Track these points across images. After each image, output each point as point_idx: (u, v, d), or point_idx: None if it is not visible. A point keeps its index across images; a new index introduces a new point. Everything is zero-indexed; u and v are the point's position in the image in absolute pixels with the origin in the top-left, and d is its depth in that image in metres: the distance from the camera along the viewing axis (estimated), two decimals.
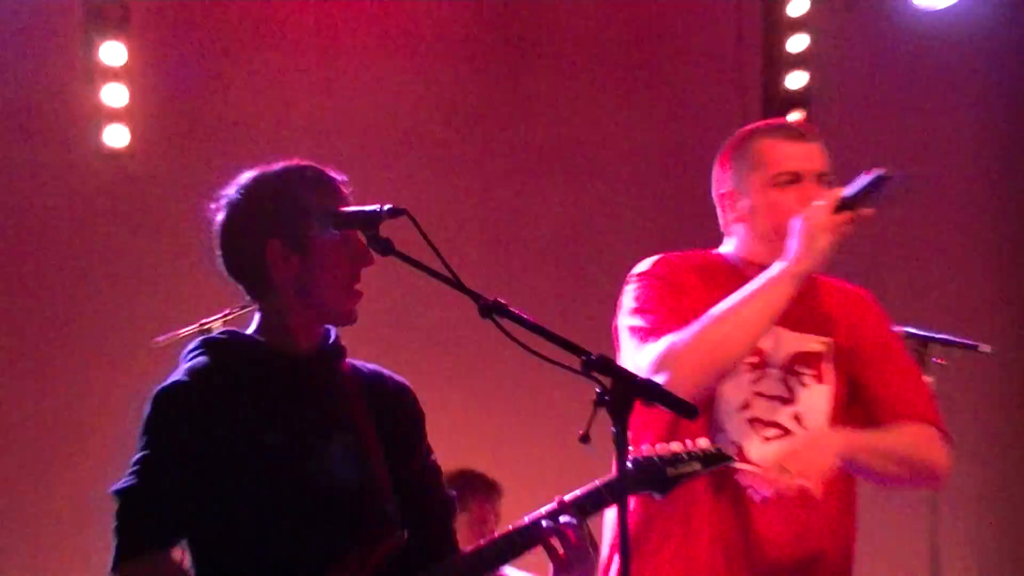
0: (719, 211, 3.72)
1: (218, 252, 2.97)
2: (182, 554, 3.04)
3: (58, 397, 5.67)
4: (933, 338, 5.04)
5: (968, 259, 6.85)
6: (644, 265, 3.68)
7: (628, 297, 3.60)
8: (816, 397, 3.62)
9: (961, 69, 6.69)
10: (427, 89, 5.88)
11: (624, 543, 2.86)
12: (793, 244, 3.45)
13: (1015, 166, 6.97)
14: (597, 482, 3.05)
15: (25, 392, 5.53)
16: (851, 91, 6.42)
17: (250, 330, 3.13)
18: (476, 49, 5.99)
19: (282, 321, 3.06)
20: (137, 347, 4.82)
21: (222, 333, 3.30)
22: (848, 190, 3.39)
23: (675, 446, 3.12)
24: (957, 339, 5.15)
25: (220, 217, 2.98)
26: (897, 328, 4.77)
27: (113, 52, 5.73)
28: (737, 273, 3.63)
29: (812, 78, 6.23)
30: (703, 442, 3.17)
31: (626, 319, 3.56)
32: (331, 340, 3.13)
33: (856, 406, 3.70)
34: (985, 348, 5.22)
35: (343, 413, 3.17)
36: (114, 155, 5.73)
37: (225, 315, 4.37)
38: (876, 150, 5.71)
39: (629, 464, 3.02)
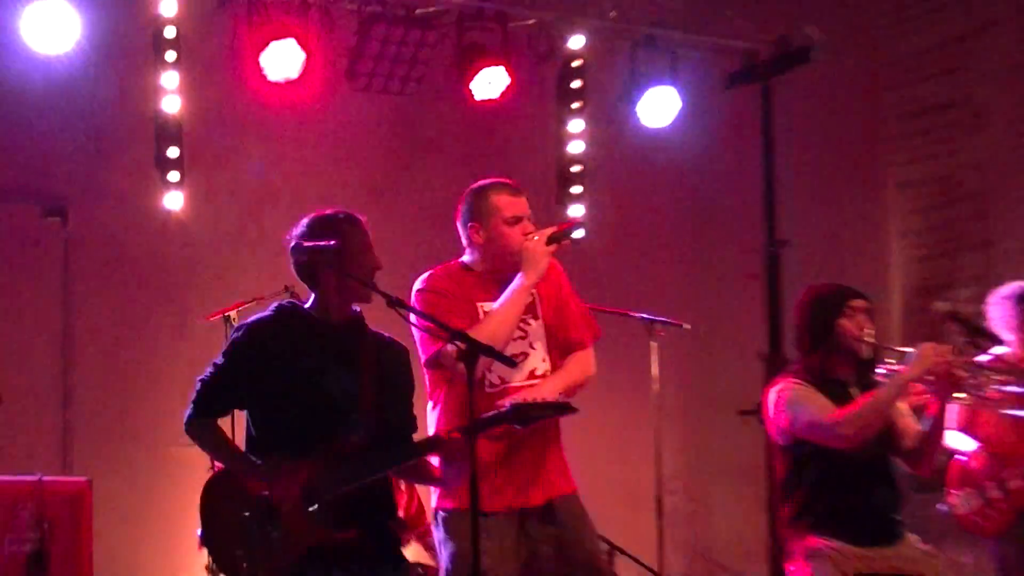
0: (463, 235, 5.28)
1: (291, 262, 4.69)
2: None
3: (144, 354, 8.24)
4: (657, 320, 7.57)
5: (672, 271, 10.00)
6: (419, 285, 5.25)
7: (421, 304, 5.12)
8: (535, 328, 5.24)
9: (667, 166, 9.81)
10: (353, 167, 8.83)
11: (473, 462, 4.37)
12: (525, 266, 5.05)
13: (697, 216, 10.21)
14: (489, 414, 4.55)
15: (127, 352, 8.19)
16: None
17: (307, 305, 4.83)
18: (382, 142, 9.03)
19: (325, 302, 4.75)
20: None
21: (288, 303, 4.92)
22: (552, 230, 5.07)
23: (536, 395, 4.67)
24: (670, 320, 7.69)
25: (293, 244, 4.67)
26: (633, 313, 7.19)
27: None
28: (477, 276, 5.24)
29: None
30: (550, 397, 4.74)
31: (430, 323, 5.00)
32: (355, 315, 4.81)
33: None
34: (687, 326, 7.81)
35: (354, 357, 4.74)
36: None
37: (257, 299, 6.87)
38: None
39: (509, 405, 4.50)
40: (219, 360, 4.79)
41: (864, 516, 5.49)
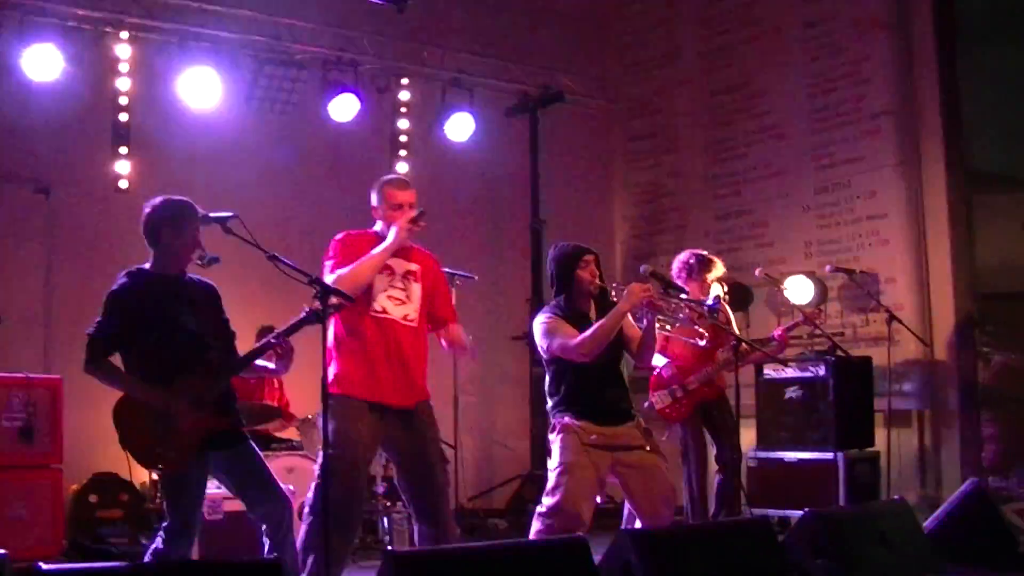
0: (374, 213, 6.07)
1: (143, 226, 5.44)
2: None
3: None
4: (457, 273, 8.16)
5: (468, 239, 11.27)
6: (338, 236, 5.99)
7: (329, 251, 5.93)
8: (416, 288, 6.03)
9: (467, 168, 11.48)
10: (249, 166, 10.23)
11: (324, 352, 5.47)
12: (394, 234, 5.88)
13: (487, 202, 12.00)
14: (294, 318, 5.41)
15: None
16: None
17: (148, 266, 5.55)
18: (265, 148, 10.52)
19: (163, 260, 5.51)
20: None
21: (134, 268, 5.53)
22: (413, 214, 5.90)
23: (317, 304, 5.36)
24: (466, 274, 8.38)
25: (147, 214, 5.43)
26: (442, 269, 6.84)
27: None
28: (377, 238, 5.99)
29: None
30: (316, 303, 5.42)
31: (327, 261, 5.89)
32: (182, 268, 5.56)
33: (429, 300, 6.09)
34: (476, 277, 8.55)
35: (192, 298, 5.60)
36: None
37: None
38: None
39: (308, 311, 5.37)
40: (100, 318, 5.48)
41: (602, 404, 6.24)
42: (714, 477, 8.12)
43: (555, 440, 6.18)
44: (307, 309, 5.36)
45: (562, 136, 12.11)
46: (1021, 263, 10.02)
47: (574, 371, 6.21)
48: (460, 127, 11.35)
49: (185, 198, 5.62)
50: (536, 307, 8.60)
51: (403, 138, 11.62)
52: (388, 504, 8.73)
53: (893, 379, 9.25)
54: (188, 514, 5.46)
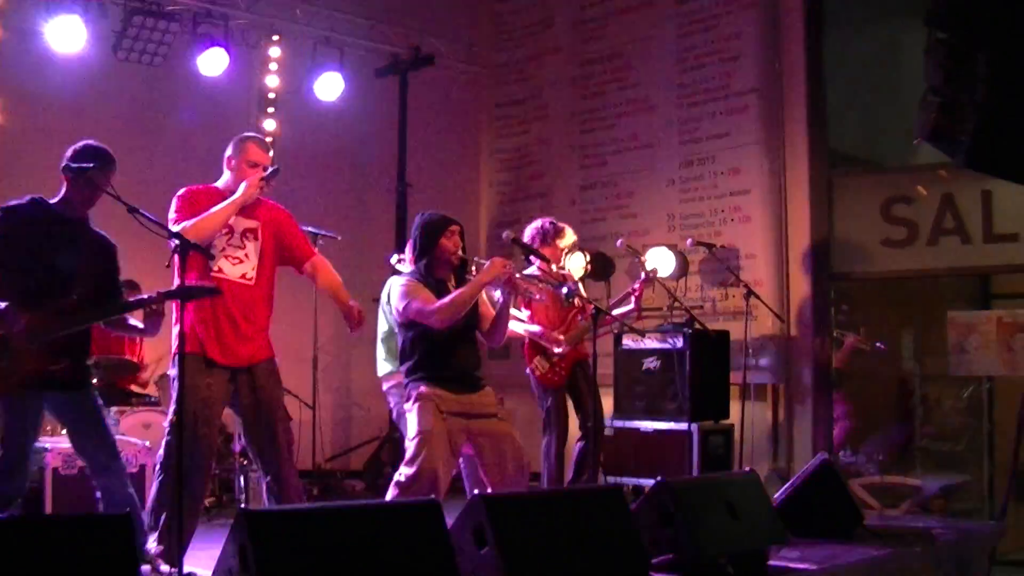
0: (225, 165, 6.19)
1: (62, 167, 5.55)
2: None
3: None
4: (320, 232, 8.56)
5: (334, 201, 11.38)
6: (180, 192, 6.08)
7: (173, 206, 6.02)
8: (253, 247, 6.15)
9: (335, 129, 11.50)
10: (115, 115, 10.23)
11: (178, 311, 5.65)
12: (243, 189, 6.04)
13: (353, 163, 11.96)
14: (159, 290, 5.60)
15: None
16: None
17: (53, 201, 5.68)
18: (136, 98, 10.61)
19: (69, 202, 5.65)
20: None
21: (39, 197, 5.70)
22: (264, 173, 6.06)
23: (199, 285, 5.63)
24: (329, 233, 8.69)
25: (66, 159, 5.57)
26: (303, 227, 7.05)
27: None
28: (219, 194, 6.12)
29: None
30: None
31: (172, 215, 5.97)
32: (85, 216, 5.73)
33: (279, 250, 6.25)
34: (339, 237, 8.81)
35: (79, 244, 5.73)
36: None
37: None
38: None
39: (188, 284, 5.59)
40: None
41: (456, 372, 6.36)
42: (575, 445, 8.27)
43: (411, 409, 6.25)
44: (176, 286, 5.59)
45: (431, 99, 12.18)
46: (877, 245, 10.17)
47: (429, 338, 6.30)
48: (329, 86, 11.34)
49: (102, 146, 5.73)
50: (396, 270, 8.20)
51: (272, 95, 11.63)
52: (244, 462, 8.80)
53: (749, 353, 9.42)
54: (18, 445, 5.54)
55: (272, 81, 11.58)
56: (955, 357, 9.76)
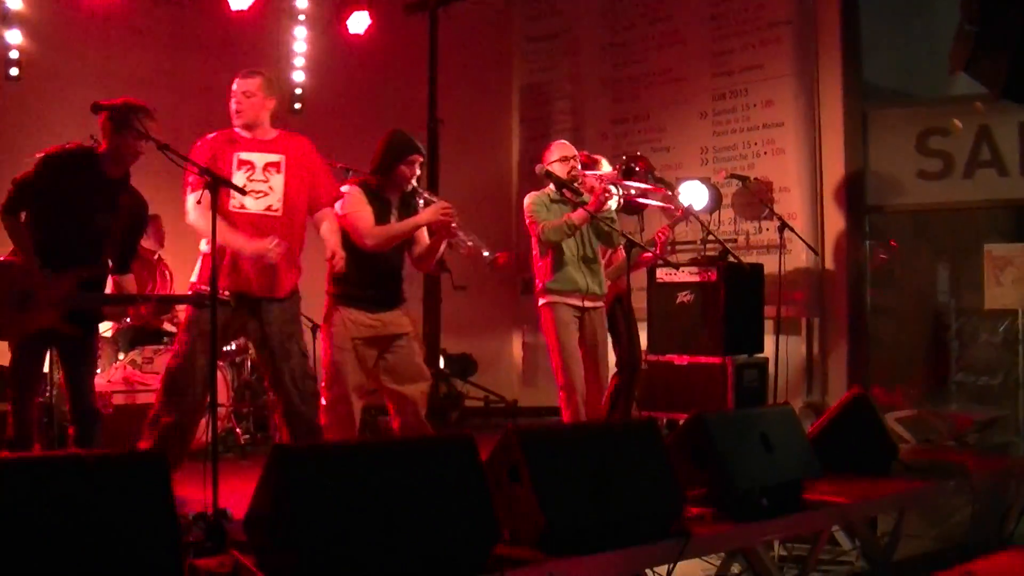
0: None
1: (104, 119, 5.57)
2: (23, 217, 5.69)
3: None
4: (350, 169, 7.75)
5: (366, 136, 9.37)
6: (197, 143, 6.09)
7: (195, 149, 5.98)
8: (278, 180, 6.15)
9: (366, 64, 11.39)
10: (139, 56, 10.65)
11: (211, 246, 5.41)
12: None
13: (385, 99, 11.35)
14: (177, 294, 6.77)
15: None
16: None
17: (101, 151, 5.69)
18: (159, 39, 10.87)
19: (113, 156, 5.70)
20: None
21: (89, 147, 5.74)
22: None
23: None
24: (356, 170, 7.62)
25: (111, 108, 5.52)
26: (336, 164, 7.52)
27: None
28: (238, 135, 6.18)
29: None
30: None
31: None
32: (127, 173, 5.82)
33: (306, 186, 6.23)
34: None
35: (120, 205, 5.83)
36: None
37: None
38: None
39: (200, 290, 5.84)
40: (30, 169, 5.68)
41: (375, 292, 6.55)
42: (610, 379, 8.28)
43: (328, 329, 6.49)
44: (192, 291, 5.92)
45: (461, 35, 12.09)
46: (912, 178, 10.13)
47: (357, 251, 6.41)
48: (358, 23, 11.34)
49: (140, 103, 5.72)
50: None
51: (301, 31, 11.69)
52: None
53: (784, 287, 9.38)
54: (23, 393, 5.79)
55: (301, 17, 11.64)
56: (991, 290, 9.74)
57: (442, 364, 11.26)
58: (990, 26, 6.99)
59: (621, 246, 7.94)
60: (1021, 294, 9.52)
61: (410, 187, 6.56)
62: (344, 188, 6.55)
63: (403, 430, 6.53)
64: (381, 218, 6.52)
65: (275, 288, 6.14)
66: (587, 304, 7.65)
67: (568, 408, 7.45)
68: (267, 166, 6.17)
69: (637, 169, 8.16)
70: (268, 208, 6.13)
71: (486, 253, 6.66)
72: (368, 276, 6.48)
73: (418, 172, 6.61)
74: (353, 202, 6.47)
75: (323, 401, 6.36)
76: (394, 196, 6.61)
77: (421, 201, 6.58)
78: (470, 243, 6.59)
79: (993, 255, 9.69)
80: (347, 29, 11.27)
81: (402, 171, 6.54)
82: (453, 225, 6.46)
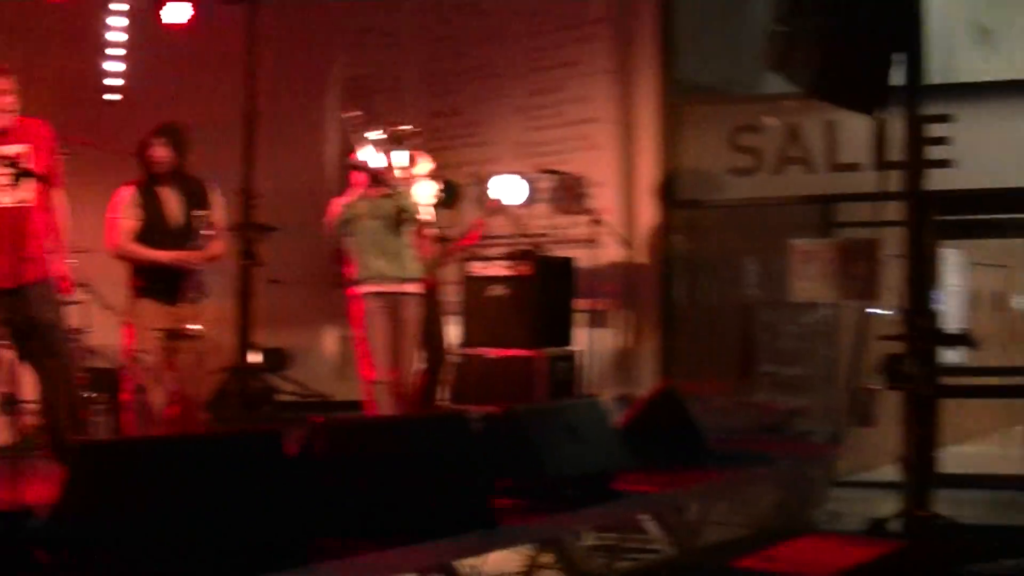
0: None
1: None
2: None
3: None
4: None
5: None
6: None
7: None
8: (15, 171, 6.06)
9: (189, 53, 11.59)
10: None
11: None
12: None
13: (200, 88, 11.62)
14: None
15: None
16: None
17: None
18: None
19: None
20: None
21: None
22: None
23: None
24: None
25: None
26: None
27: None
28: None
29: None
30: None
31: None
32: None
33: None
34: None
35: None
36: None
37: None
38: None
39: None
40: None
41: (164, 284, 6.79)
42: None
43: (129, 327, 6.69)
44: None
45: (282, 26, 11.75)
46: (723, 174, 10.35)
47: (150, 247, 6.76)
48: (174, 12, 10.99)
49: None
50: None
51: (120, 20, 11.46)
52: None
53: (596, 280, 9.50)
54: None
55: (120, 6, 11.36)
56: (796, 284, 10.01)
57: (254, 358, 11.04)
58: (799, 26, 7.20)
59: (431, 238, 8.01)
60: (825, 287, 9.79)
61: (169, 166, 6.91)
62: (120, 195, 6.78)
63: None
64: (152, 214, 6.80)
65: (21, 273, 6.08)
66: (392, 290, 7.68)
67: (374, 399, 7.53)
68: (3, 158, 6.11)
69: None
70: (20, 201, 6.11)
71: None
72: (156, 271, 6.71)
73: (170, 152, 6.87)
74: (117, 206, 6.74)
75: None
76: (166, 185, 6.87)
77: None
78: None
79: (798, 249, 9.96)
80: (165, 17, 10.95)
81: (150, 156, 6.83)
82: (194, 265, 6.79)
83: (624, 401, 9.16)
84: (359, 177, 7.87)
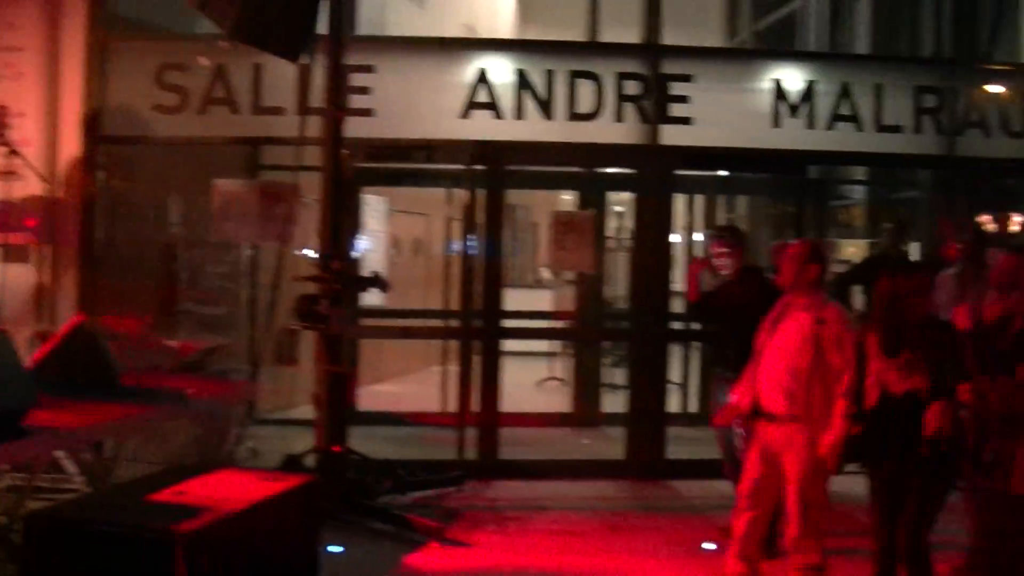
0: None
1: None
2: None
3: None
4: None
5: None
6: None
7: None
8: None
9: None
10: None
11: None
12: None
13: None
14: None
15: None
16: None
17: None
18: None
19: None
20: None
21: None
22: None
23: None
24: None
25: None
26: None
27: None
28: None
29: None
30: None
31: None
32: None
33: None
34: None
35: None
36: None
37: None
38: None
39: None
40: None
41: None
42: None
43: None
44: None
45: None
46: (149, 111, 10.34)
47: None
48: None
49: None
50: None
51: None
52: None
53: (15, 214, 9.27)
54: None
55: None
56: (218, 224, 10.24)
57: None
58: None
59: None
60: (246, 228, 10.10)
61: None
62: None
63: None
64: None
65: None
66: None
67: None
68: None
69: None
70: None
71: None
72: None
73: None
74: None
75: None
76: None
77: None
78: None
79: (221, 190, 10.19)
80: None
81: None
82: None
83: (42, 337, 9.09)
84: None
